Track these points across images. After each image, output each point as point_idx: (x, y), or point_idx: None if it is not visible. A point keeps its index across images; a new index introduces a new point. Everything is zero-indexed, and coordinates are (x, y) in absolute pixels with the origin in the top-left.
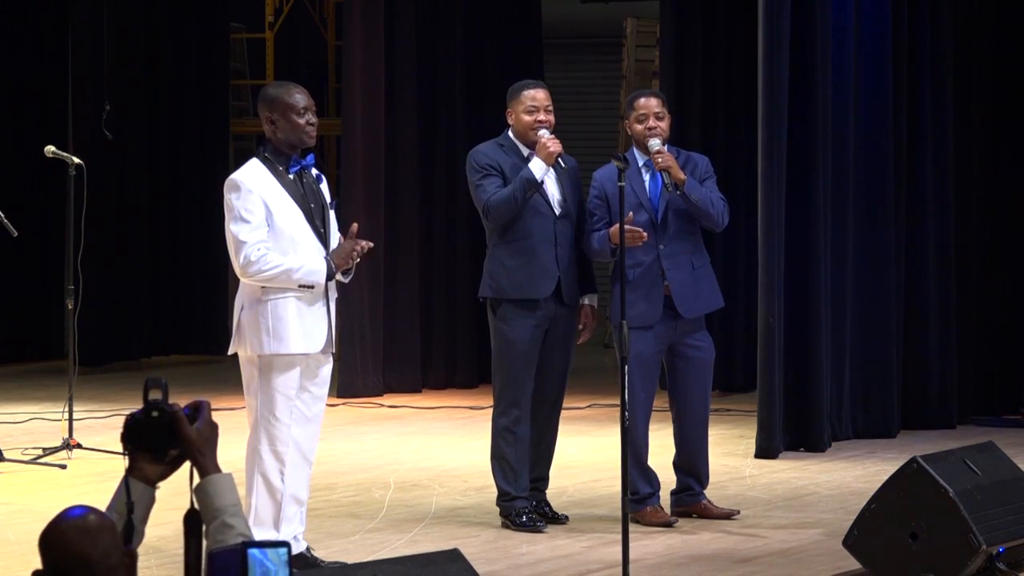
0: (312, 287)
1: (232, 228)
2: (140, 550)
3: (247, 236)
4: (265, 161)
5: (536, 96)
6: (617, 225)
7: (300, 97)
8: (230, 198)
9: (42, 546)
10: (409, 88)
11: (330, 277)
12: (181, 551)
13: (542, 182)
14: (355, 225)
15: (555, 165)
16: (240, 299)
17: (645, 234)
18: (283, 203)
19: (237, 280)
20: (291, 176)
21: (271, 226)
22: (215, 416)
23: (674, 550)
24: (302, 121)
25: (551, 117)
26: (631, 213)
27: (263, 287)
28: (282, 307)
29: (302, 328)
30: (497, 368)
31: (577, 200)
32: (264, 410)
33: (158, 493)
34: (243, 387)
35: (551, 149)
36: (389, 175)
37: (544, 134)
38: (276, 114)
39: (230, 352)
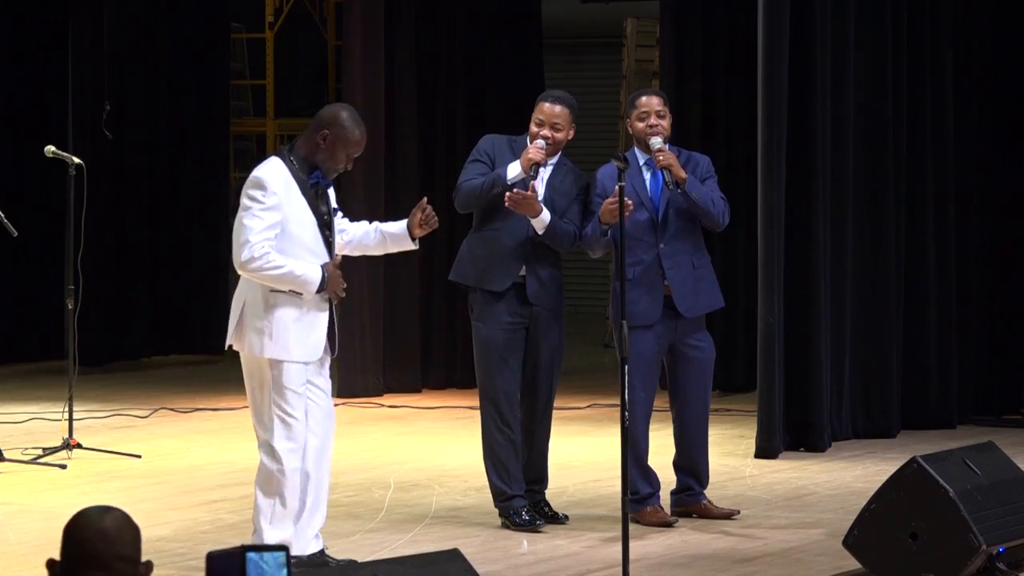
0: (300, 294)
1: (245, 221)
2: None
3: (257, 235)
4: (289, 164)
5: (547, 112)
6: (606, 202)
7: (362, 143)
8: (254, 193)
9: (66, 528)
10: (409, 88)
11: (320, 290)
12: (181, 551)
13: (513, 184)
14: (339, 256)
15: (533, 171)
16: (242, 295)
17: (631, 203)
18: (300, 209)
19: (237, 279)
20: (310, 184)
21: (284, 230)
22: (214, 415)
23: (674, 550)
24: (346, 164)
25: (557, 134)
26: (630, 202)
27: (271, 290)
28: (285, 314)
29: (302, 336)
30: (477, 368)
31: (567, 206)
32: (276, 409)
33: (158, 492)
34: (245, 380)
35: (529, 155)
36: (389, 175)
37: (538, 143)
38: (331, 139)
39: (228, 344)
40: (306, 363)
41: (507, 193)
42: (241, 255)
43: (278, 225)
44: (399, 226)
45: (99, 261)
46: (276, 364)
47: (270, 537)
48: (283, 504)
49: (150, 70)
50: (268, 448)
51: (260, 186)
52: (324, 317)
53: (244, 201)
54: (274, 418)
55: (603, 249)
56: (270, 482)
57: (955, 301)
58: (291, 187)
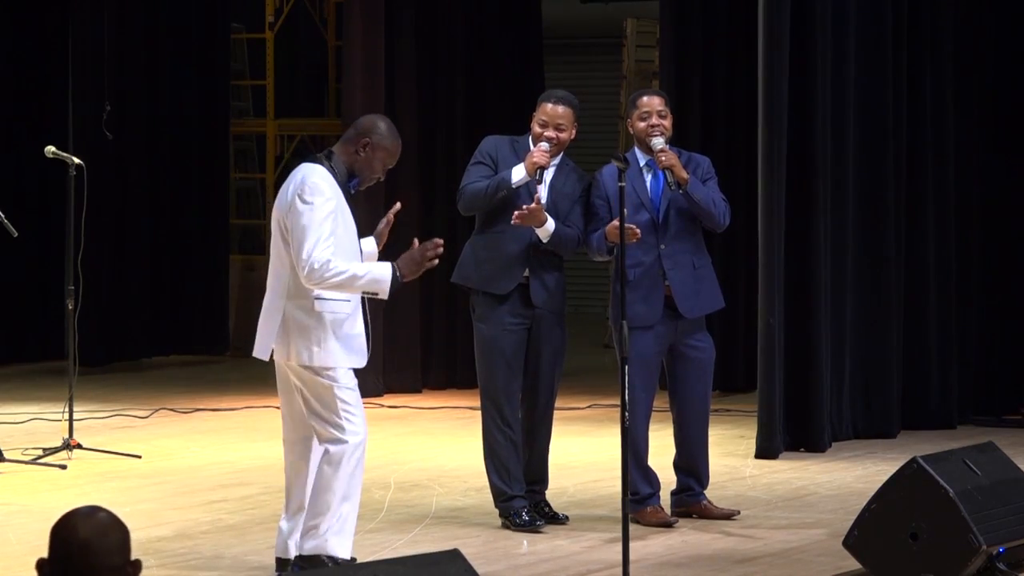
0: (376, 295)
1: (310, 231)
2: (139, 549)
3: (323, 243)
4: (332, 172)
5: (551, 112)
6: (614, 222)
7: (397, 153)
8: (313, 199)
9: (52, 534)
10: (409, 88)
11: (395, 286)
12: (181, 551)
13: (518, 188)
14: (418, 241)
15: (538, 175)
16: (277, 307)
17: (638, 231)
18: (346, 216)
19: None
20: (350, 191)
21: (335, 236)
22: (214, 415)
23: (674, 550)
24: (382, 174)
25: (561, 135)
26: (637, 230)
27: (315, 297)
28: (331, 321)
29: (349, 342)
30: (478, 368)
31: (570, 209)
32: (332, 414)
33: (158, 492)
34: (295, 392)
35: (534, 159)
36: (389, 175)
37: (543, 146)
38: (371, 146)
39: (276, 358)
40: (354, 368)
41: (514, 212)
42: (309, 265)
43: (334, 233)
44: (368, 243)
45: (99, 261)
46: (331, 370)
47: (335, 548)
48: (351, 510)
49: (150, 70)
50: (339, 446)
51: (320, 192)
52: (362, 324)
53: (300, 207)
54: (340, 415)
55: (605, 257)
56: (350, 481)
57: (955, 301)
58: (339, 195)
